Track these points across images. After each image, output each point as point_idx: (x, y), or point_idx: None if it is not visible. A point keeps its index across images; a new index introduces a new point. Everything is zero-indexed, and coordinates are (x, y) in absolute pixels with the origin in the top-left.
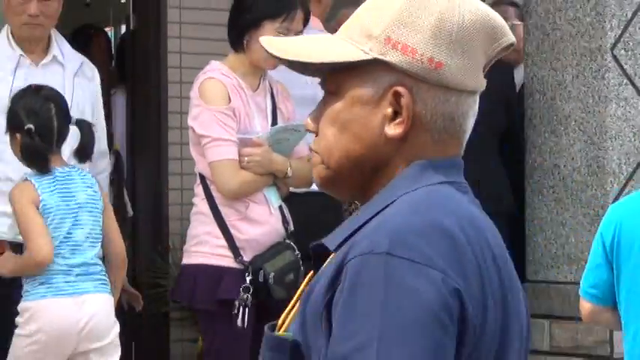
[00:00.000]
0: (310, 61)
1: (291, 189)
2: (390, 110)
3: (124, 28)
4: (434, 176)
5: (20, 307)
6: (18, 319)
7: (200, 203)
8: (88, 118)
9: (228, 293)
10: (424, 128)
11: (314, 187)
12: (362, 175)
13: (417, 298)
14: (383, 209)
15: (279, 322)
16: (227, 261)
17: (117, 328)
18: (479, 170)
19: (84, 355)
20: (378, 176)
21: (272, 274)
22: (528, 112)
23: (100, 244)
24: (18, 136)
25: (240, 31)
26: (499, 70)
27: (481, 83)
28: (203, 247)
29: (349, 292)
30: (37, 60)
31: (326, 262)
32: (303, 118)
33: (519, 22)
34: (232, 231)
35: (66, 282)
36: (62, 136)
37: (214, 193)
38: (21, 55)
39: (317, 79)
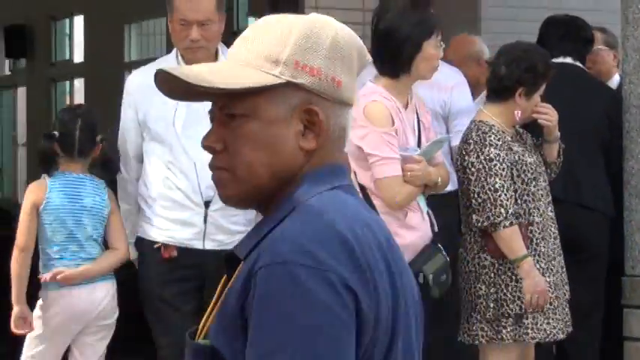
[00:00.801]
0: (234, 87)
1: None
2: (301, 126)
3: None
4: (327, 183)
5: (40, 294)
6: (39, 303)
7: None
8: None
9: None
10: (328, 140)
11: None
12: (276, 187)
13: (318, 301)
14: (284, 218)
15: (199, 329)
16: None
17: (117, 312)
18: (593, 177)
19: (87, 332)
20: (285, 187)
21: (431, 276)
22: (626, 125)
23: (101, 241)
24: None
25: (406, 61)
26: (608, 92)
27: (356, 97)
28: None
29: (258, 303)
30: None
31: (237, 270)
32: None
33: (605, 48)
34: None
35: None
36: (83, 147)
37: (375, 202)
38: None
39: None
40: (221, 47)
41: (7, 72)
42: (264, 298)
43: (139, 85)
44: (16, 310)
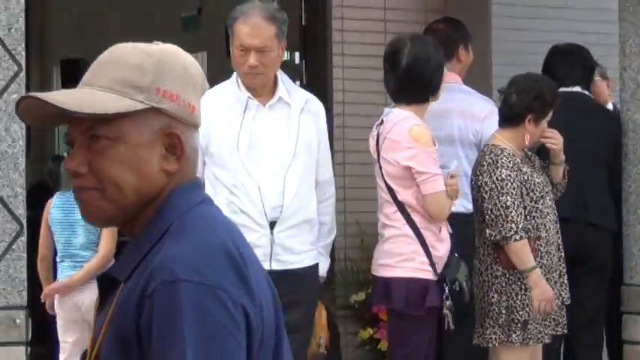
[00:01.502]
0: (105, 112)
1: None
2: (164, 150)
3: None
4: (193, 198)
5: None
6: (55, 302)
7: (403, 227)
8: (312, 149)
9: (434, 301)
10: (186, 161)
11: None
12: (140, 206)
13: (211, 318)
14: (161, 237)
15: (89, 350)
16: (429, 275)
17: None
18: (599, 197)
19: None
20: (148, 206)
21: (464, 283)
22: (624, 148)
23: (95, 248)
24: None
25: (437, 86)
26: (612, 118)
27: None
28: (410, 263)
29: (157, 321)
30: (265, 101)
31: (119, 291)
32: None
33: (600, 78)
34: (431, 250)
35: (73, 273)
36: None
37: (415, 218)
38: (249, 97)
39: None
40: (280, 74)
41: None
42: (163, 316)
43: (203, 108)
44: (47, 303)
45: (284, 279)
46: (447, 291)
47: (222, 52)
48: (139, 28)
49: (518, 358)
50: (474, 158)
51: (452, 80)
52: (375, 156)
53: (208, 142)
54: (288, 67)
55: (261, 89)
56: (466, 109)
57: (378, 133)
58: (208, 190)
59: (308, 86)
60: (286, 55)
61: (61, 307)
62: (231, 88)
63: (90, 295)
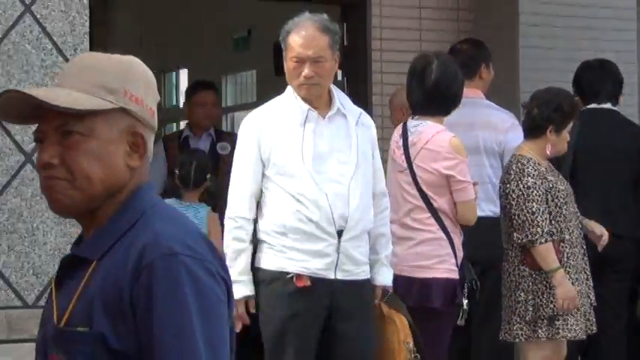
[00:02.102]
0: (82, 108)
1: None
2: (128, 147)
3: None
4: (154, 196)
5: None
6: None
7: (438, 232)
8: (369, 160)
9: (460, 299)
10: (146, 160)
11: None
12: (104, 198)
13: (206, 286)
14: (133, 225)
15: (56, 317)
16: (456, 275)
17: None
18: (625, 208)
19: None
20: (112, 199)
21: (478, 282)
22: None
23: None
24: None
25: (460, 100)
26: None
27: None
28: (446, 264)
29: (158, 290)
30: (323, 113)
31: (90, 269)
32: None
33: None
34: (457, 252)
35: None
36: (197, 183)
37: (446, 223)
38: (309, 109)
39: None
40: (332, 86)
41: None
42: (164, 283)
43: (262, 123)
44: None
45: (346, 289)
46: (466, 289)
47: (271, 70)
48: (194, 49)
49: (543, 352)
50: (498, 167)
51: (475, 95)
52: (405, 164)
53: (271, 153)
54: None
55: (317, 100)
56: (490, 122)
57: (406, 143)
58: (268, 200)
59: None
60: None
61: None
62: (289, 101)
63: None
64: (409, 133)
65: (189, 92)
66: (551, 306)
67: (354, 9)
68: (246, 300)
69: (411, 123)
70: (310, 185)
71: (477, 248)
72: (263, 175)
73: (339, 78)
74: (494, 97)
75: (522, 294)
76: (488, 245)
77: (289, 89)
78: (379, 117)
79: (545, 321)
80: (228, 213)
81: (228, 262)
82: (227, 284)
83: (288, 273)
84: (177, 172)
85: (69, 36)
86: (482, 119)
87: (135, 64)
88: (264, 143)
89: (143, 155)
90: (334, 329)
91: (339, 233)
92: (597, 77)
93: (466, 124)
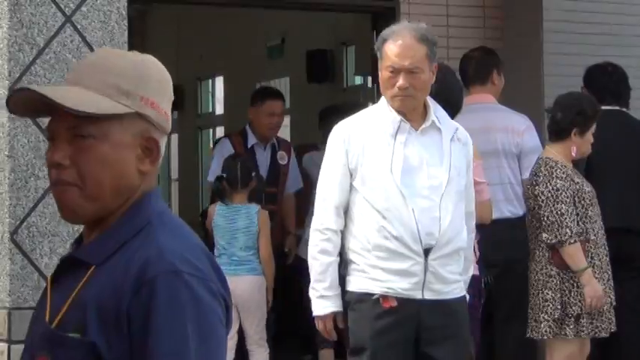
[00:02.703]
0: (92, 111)
1: None
2: (140, 151)
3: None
4: (161, 203)
5: None
6: None
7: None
8: (463, 177)
9: (483, 295)
10: (157, 165)
11: None
12: (116, 203)
13: (207, 305)
14: (138, 232)
15: (48, 319)
16: (477, 271)
17: (259, 295)
18: None
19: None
20: (124, 203)
21: (491, 279)
22: None
23: (252, 250)
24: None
25: (459, 111)
26: None
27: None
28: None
29: (160, 307)
30: (417, 125)
31: (89, 273)
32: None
33: None
34: (477, 251)
35: (229, 267)
36: (244, 183)
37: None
38: (401, 120)
39: None
40: (429, 99)
41: None
42: (165, 301)
43: (350, 132)
44: None
45: (436, 310)
46: (482, 285)
47: (304, 77)
48: (229, 57)
49: (569, 349)
50: (516, 168)
51: (489, 101)
52: None
53: (358, 164)
54: (361, 91)
55: (411, 113)
56: (507, 125)
57: None
58: (354, 214)
59: None
60: (359, 80)
61: None
62: (381, 111)
63: (242, 285)
64: None
65: (256, 99)
66: (579, 304)
67: (383, 18)
68: (334, 315)
69: None
70: (397, 199)
71: (497, 249)
72: (350, 186)
73: (370, 85)
74: (518, 102)
75: (550, 292)
76: (508, 245)
77: (383, 99)
78: None
79: (572, 319)
80: (314, 224)
81: (315, 276)
82: (226, 303)
83: (373, 294)
84: (224, 175)
85: (108, 45)
86: (499, 123)
87: (150, 63)
88: (352, 153)
89: (155, 160)
90: (425, 355)
91: (427, 251)
92: (607, 81)
93: (484, 128)
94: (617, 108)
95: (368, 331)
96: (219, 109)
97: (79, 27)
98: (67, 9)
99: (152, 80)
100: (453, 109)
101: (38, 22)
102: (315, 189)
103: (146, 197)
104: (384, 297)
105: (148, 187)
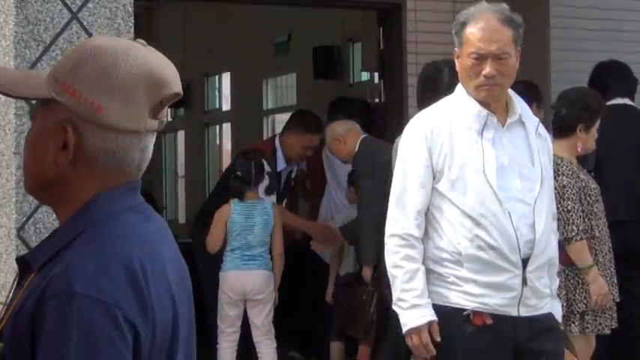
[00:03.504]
0: (8, 92)
1: None
2: (61, 142)
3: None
4: (113, 206)
5: (220, 275)
6: (221, 282)
7: None
8: (551, 176)
9: None
10: (88, 158)
11: None
12: (47, 192)
13: (99, 331)
14: (74, 238)
15: None
16: None
17: (269, 289)
18: None
19: (248, 301)
20: (61, 197)
21: None
22: None
23: (266, 246)
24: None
25: None
26: None
27: (145, 125)
28: None
29: (46, 332)
30: (502, 120)
31: (29, 279)
32: None
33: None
34: None
35: (241, 262)
36: (257, 181)
37: None
38: (488, 114)
39: None
40: (510, 91)
41: (169, 119)
42: (52, 325)
43: (433, 127)
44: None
45: (532, 327)
46: None
47: (310, 73)
48: (236, 53)
49: (575, 345)
50: None
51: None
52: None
53: (445, 165)
54: (367, 87)
55: (496, 104)
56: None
57: None
58: (439, 220)
59: (386, 103)
60: (366, 76)
61: (228, 288)
62: (463, 103)
63: (254, 279)
64: None
65: (300, 127)
66: (584, 302)
67: (390, 13)
68: (429, 326)
69: None
70: (493, 204)
71: None
72: (433, 188)
73: (376, 81)
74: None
75: None
76: None
77: (460, 90)
78: None
79: (577, 315)
80: (393, 229)
81: (401, 285)
82: (136, 330)
83: (463, 310)
84: (238, 173)
85: None
86: None
87: (98, 54)
88: (436, 151)
89: (70, 152)
90: None
91: (524, 262)
92: (613, 76)
93: None
94: (626, 101)
95: (459, 352)
96: (226, 106)
97: (85, 24)
98: (73, 6)
99: (87, 70)
100: None
101: (44, 18)
102: (329, 186)
103: (92, 201)
104: (477, 313)
105: (101, 187)
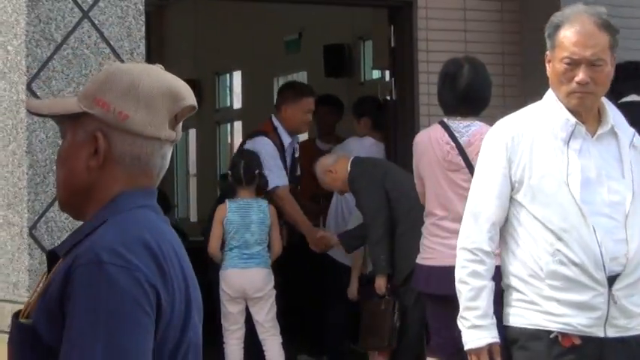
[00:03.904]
0: (42, 112)
1: None
2: (93, 149)
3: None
4: (134, 201)
5: (220, 273)
6: (221, 280)
7: None
8: (639, 186)
9: None
10: (115, 163)
11: None
12: (79, 197)
13: (126, 293)
14: (99, 226)
15: (23, 310)
16: None
17: (268, 287)
18: None
19: (249, 299)
20: (91, 199)
21: None
22: None
23: (264, 244)
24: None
25: (487, 105)
26: None
27: (165, 133)
28: None
29: (75, 295)
30: (591, 129)
31: (57, 265)
32: None
33: None
34: None
35: (240, 261)
36: (248, 180)
37: None
38: (576, 123)
39: None
40: (604, 99)
41: None
42: (81, 290)
43: (514, 135)
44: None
45: (622, 350)
46: None
47: (321, 71)
48: (247, 52)
49: None
50: None
51: None
52: (462, 163)
53: (524, 174)
54: (378, 85)
55: (587, 113)
56: None
57: (458, 143)
58: (518, 234)
59: (397, 101)
60: (377, 74)
61: (228, 286)
62: (551, 110)
63: (253, 278)
64: (459, 134)
65: (291, 96)
66: None
67: (400, 11)
68: (490, 347)
69: (458, 124)
70: (576, 218)
71: None
72: (512, 200)
73: (387, 79)
74: (536, 97)
75: None
76: None
77: (550, 95)
78: (426, 116)
79: None
80: (463, 242)
81: (465, 303)
82: (158, 293)
83: (549, 332)
84: (229, 172)
85: (125, 41)
86: None
87: (122, 72)
88: (516, 160)
89: (101, 155)
90: None
91: (610, 280)
92: (622, 74)
93: None
94: (635, 99)
95: None
96: (237, 104)
97: (96, 22)
98: (84, 4)
99: (115, 85)
100: (482, 104)
101: (56, 17)
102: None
103: (117, 198)
104: (564, 334)
105: (122, 189)
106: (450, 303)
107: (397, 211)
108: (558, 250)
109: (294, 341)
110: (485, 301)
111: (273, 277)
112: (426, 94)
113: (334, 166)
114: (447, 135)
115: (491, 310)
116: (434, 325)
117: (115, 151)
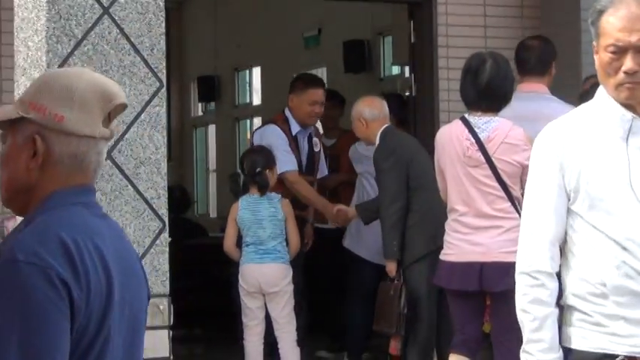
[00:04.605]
0: None
1: None
2: (32, 151)
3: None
4: (65, 199)
5: (239, 269)
6: (239, 276)
7: (519, 219)
8: None
9: None
10: (54, 163)
11: None
12: (21, 197)
13: (39, 292)
14: (26, 225)
15: None
16: None
17: (284, 282)
18: None
19: (266, 294)
20: (32, 198)
21: None
22: None
23: (279, 238)
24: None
25: (509, 101)
26: None
27: (99, 131)
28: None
29: None
30: None
31: None
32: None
33: None
34: None
35: (256, 256)
36: (255, 177)
37: (520, 210)
38: (633, 117)
39: None
40: None
41: (200, 113)
42: None
43: (564, 140)
44: None
45: None
46: None
47: (340, 66)
48: (266, 48)
49: None
50: None
51: (543, 91)
52: (482, 159)
53: (580, 180)
54: (398, 81)
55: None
56: (552, 115)
57: (478, 139)
58: (578, 247)
59: (417, 97)
60: (396, 70)
61: (244, 281)
62: (603, 106)
63: (268, 272)
64: (479, 130)
65: (298, 87)
66: None
67: (420, 7)
68: None
69: (478, 120)
70: None
71: None
72: (568, 210)
73: (407, 75)
74: (557, 93)
75: None
76: None
77: (601, 92)
78: (445, 112)
79: None
80: (521, 267)
81: (528, 335)
82: (69, 288)
83: (614, 356)
84: (239, 172)
85: (146, 37)
86: (552, 113)
87: (58, 76)
88: (569, 168)
89: (40, 157)
90: None
91: None
92: None
93: (536, 116)
94: None
95: None
96: (257, 100)
97: (116, 18)
98: (104, 1)
99: (50, 89)
100: (502, 100)
101: (76, 13)
102: (360, 180)
103: (49, 196)
104: (631, 358)
105: (61, 186)
106: (472, 299)
107: (412, 203)
108: (624, 262)
109: (314, 337)
110: (551, 332)
111: (290, 272)
112: (446, 89)
113: (369, 122)
114: (467, 131)
115: (557, 341)
116: (457, 322)
117: (53, 151)
